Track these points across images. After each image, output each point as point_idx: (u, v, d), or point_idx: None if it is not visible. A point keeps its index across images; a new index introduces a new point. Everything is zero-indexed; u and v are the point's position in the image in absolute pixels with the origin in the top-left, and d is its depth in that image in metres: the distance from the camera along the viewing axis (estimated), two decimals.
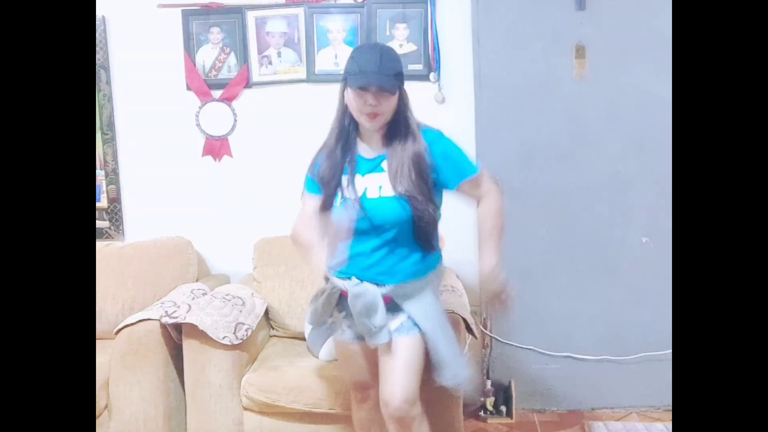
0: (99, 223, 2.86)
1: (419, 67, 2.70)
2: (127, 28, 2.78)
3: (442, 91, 2.72)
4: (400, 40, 2.70)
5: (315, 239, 1.76)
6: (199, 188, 2.85)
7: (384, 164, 1.69)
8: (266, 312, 2.51)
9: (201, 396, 2.17)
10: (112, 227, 2.87)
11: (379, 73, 1.60)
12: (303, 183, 1.83)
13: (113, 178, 2.85)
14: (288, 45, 2.76)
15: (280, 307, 2.55)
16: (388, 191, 1.66)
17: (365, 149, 1.73)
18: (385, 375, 1.72)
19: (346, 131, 1.72)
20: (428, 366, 1.74)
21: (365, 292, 1.67)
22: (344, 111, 1.70)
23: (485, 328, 2.67)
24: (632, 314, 2.64)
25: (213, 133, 2.81)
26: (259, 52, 2.76)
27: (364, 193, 1.68)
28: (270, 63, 2.77)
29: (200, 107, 2.79)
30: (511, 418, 2.62)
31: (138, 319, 2.20)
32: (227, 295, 2.35)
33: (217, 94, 2.79)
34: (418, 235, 1.68)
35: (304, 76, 2.76)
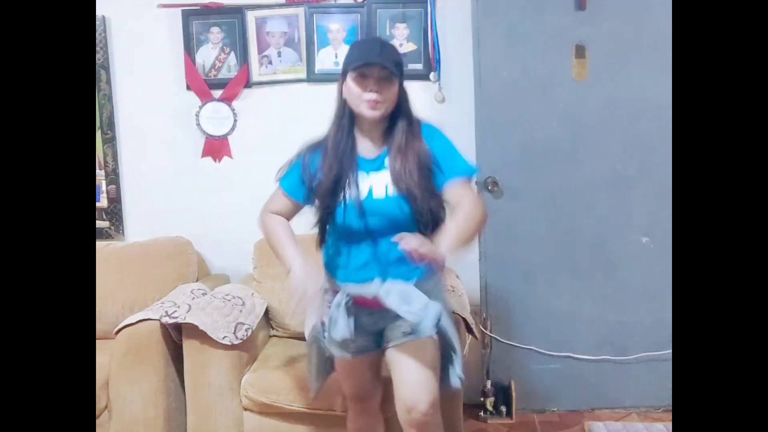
0: (99, 223, 2.86)
1: (419, 66, 2.70)
2: (127, 28, 2.78)
3: (442, 91, 2.72)
4: (400, 40, 2.70)
5: (293, 252, 1.65)
6: (199, 188, 2.85)
7: (387, 162, 1.65)
8: (266, 312, 2.51)
9: (201, 396, 2.18)
10: (112, 227, 2.87)
11: (381, 57, 1.57)
12: (280, 176, 1.74)
13: (113, 178, 2.85)
14: (288, 45, 2.76)
15: (280, 307, 2.55)
16: (393, 190, 1.62)
17: (366, 148, 1.67)
18: (406, 379, 1.66)
19: (346, 129, 1.66)
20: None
21: (393, 285, 1.60)
22: (343, 108, 1.65)
23: (485, 328, 2.67)
24: (632, 314, 2.65)
25: (213, 133, 2.81)
26: (259, 51, 2.76)
27: (370, 193, 1.63)
28: (270, 63, 2.77)
29: (200, 107, 2.79)
30: (511, 418, 2.62)
31: (138, 319, 2.20)
32: (227, 295, 2.35)
33: (217, 94, 2.79)
34: (424, 232, 1.58)
35: (304, 75, 2.76)
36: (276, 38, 2.76)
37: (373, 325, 1.70)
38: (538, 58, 2.56)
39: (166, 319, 2.16)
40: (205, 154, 2.83)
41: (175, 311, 2.17)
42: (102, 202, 2.86)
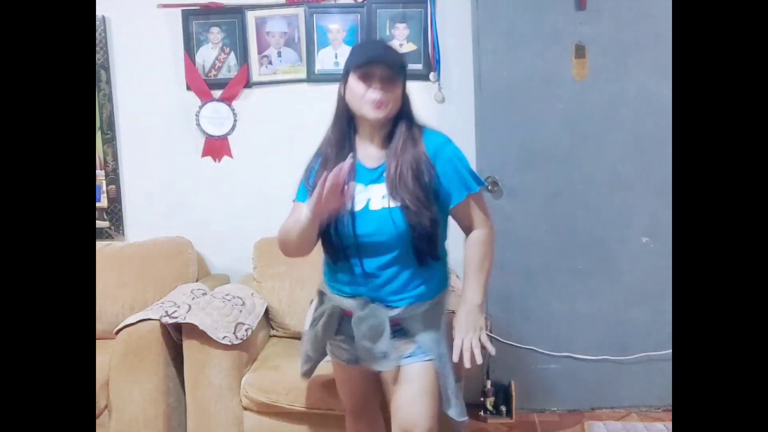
0: (99, 223, 2.86)
1: (419, 66, 2.70)
2: (127, 28, 2.78)
3: (442, 91, 2.72)
4: (400, 40, 2.70)
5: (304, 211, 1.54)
6: (199, 188, 2.85)
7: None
8: (266, 312, 2.51)
9: (201, 396, 2.18)
10: (112, 227, 2.87)
11: (385, 56, 1.52)
12: (296, 190, 1.68)
13: (113, 178, 2.85)
14: (288, 45, 2.76)
15: (280, 307, 2.55)
16: (393, 202, 1.53)
17: (366, 155, 1.59)
18: (403, 404, 1.60)
19: (346, 135, 1.59)
20: None
21: (372, 315, 1.55)
22: (343, 112, 1.59)
23: (485, 328, 2.66)
24: (632, 314, 2.65)
25: (213, 133, 2.81)
26: (259, 51, 2.76)
27: (367, 205, 1.55)
28: (270, 63, 2.77)
29: (200, 107, 2.79)
30: (511, 418, 2.62)
31: (138, 319, 2.20)
32: (227, 295, 2.35)
33: (217, 94, 2.79)
34: (418, 249, 1.54)
35: (304, 75, 2.76)
36: (276, 38, 2.76)
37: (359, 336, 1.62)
38: (538, 58, 2.56)
39: (166, 319, 2.16)
40: (205, 154, 2.83)
41: (175, 311, 2.17)
42: (102, 202, 2.86)
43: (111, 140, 2.83)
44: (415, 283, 1.58)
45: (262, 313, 2.44)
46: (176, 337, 2.21)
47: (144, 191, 2.87)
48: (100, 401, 2.19)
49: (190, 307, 2.20)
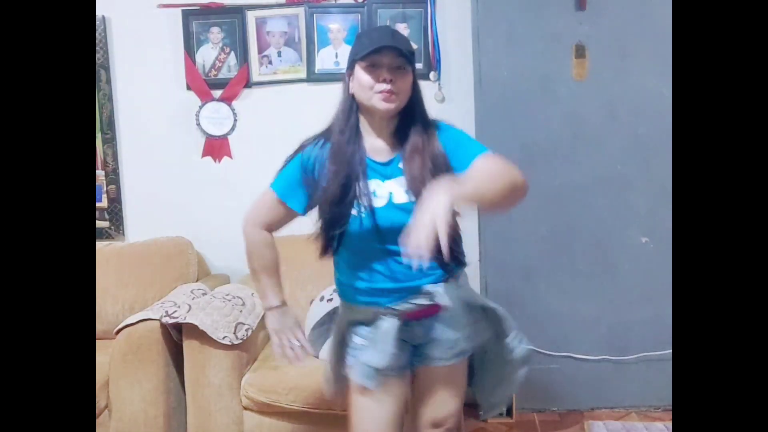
0: (99, 223, 2.86)
1: (419, 66, 2.70)
2: (127, 28, 2.78)
3: (442, 90, 2.72)
4: None
5: (271, 288, 1.60)
6: (199, 188, 2.85)
7: (402, 165, 1.48)
8: None
9: (201, 396, 2.18)
10: (112, 227, 2.87)
11: (394, 43, 1.42)
12: (279, 172, 1.57)
13: (113, 178, 2.85)
14: (288, 44, 2.76)
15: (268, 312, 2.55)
16: (412, 195, 1.45)
17: (375, 150, 1.50)
18: (436, 399, 1.59)
19: (354, 128, 1.48)
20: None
21: (451, 287, 1.49)
22: (350, 104, 1.48)
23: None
24: (632, 314, 2.64)
25: (213, 133, 2.81)
26: (260, 51, 2.76)
27: (390, 200, 1.46)
28: (270, 62, 2.77)
29: (200, 107, 2.79)
30: (511, 418, 2.62)
31: (138, 319, 2.20)
32: (227, 295, 2.35)
33: (217, 93, 2.79)
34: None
35: (304, 75, 2.76)
36: (276, 38, 2.76)
37: (426, 337, 1.55)
38: (538, 58, 2.56)
39: (166, 319, 2.16)
40: (205, 154, 2.83)
41: (176, 311, 2.17)
42: (102, 202, 2.86)
43: (111, 140, 2.83)
44: (438, 271, 1.51)
45: (262, 313, 2.44)
46: (176, 337, 2.21)
47: (144, 191, 2.87)
48: (100, 401, 2.19)
49: (190, 307, 2.20)
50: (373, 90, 1.42)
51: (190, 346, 2.17)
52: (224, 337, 2.14)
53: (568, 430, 2.55)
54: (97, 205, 2.85)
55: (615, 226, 2.63)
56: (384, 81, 1.41)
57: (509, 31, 2.56)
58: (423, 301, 1.50)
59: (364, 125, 1.50)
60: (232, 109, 2.80)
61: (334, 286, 1.71)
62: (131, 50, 2.79)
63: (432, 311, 1.52)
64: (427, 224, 1.19)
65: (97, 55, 2.77)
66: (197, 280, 2.66)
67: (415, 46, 2.70)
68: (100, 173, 2.84)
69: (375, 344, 1.51)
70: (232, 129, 2.81)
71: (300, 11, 2.73)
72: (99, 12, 2.74)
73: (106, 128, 2.82)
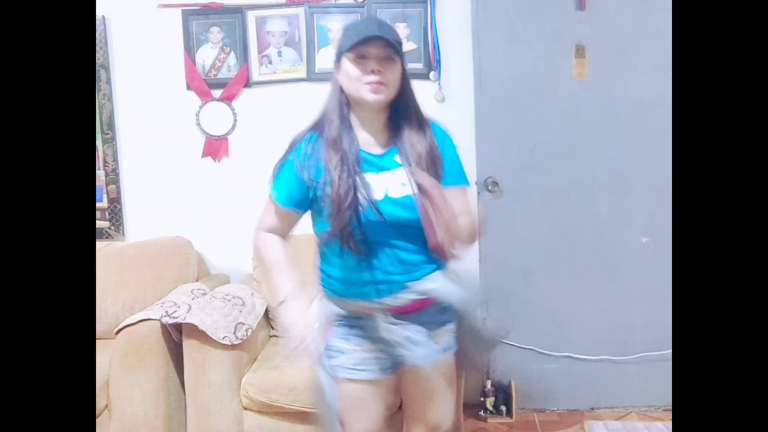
0: (99, 223, 2.86)
1: (419, 66, 2.71)
2: (127, 28, 2.78)
3: (442, 90, 2.72)
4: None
5: (287, 282, 1.51)
6: (199, 188, 2.85)
7: (397, 158, 1.46)
8: (266, 312, 2.51)
9: (201, 396, 2.18)
10: (112, 227, 2.87)
11: (381, 33, 1.40)
12: (274, 176, 1.55)
13: (113, 178, 2.85)
14: (288, 44, 2.76)
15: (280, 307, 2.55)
16: (410, 188, 1.44)
17: (368, 143, 1.48)
18: (428, 402, 1.57)
19: (346, 121, 1.46)
20: None
21: (441, 278, 1.48)
22: (339, 97, 1.47)
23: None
24: (632, 314, 2.64)
25: (213, 133, 2.81)
26: (260, 51, 2.76)
27: (386, 194, 1.44)
28: (270, 62, 2.77)
29: (200, 107, 2.79)
30: (511, 418, 2.62)
31: (138, 319, 2.20)
32: (227, 295, 2.35)
33: (217, 93, 2.79)
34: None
35: (304, 75, 2.76)
36: (276, 38, 2.76)
37: (395, 338, 1.50)
38: (538, 58, 2.56)
39: (166, 319, 2.16)
40: (205, 154, 2.83)
41: (176, 311, 2.17)
42: (102, 202, 2.86)
43: (111, 140, 2.83)
44: (431, 265, 1.50)
45: (262, 313, 2.44)
46: (176, 337, 2.21)
47: (144, 191, 2.87)
48: (100, 401, 2.19)
49: (190, 307, 2.20)
50: (361, 81, 1.41)
51: (190, 346, 2.17)
52: (224, 337, 2.14)
53: (568, 430, 2.56)
54: (97, 205, 2.85)
55: (615, 226, 2.63)
56: (372, 72, 1.40)
57: (509, 31, 2.56)
58: (413, 295, 1.47)
59: (355, 118, 1.49)
60: (232, 109, 2.80)
61: None
62: (131, 50, 2.79)
63: (420, 306, 1.50)
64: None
65: (97, 55, 2.77)
66: (197, 280, 2.66)
67: (414, 46, 2.72)
68: (100, 173, 2.84)
69: (354, 341, 1.51)
70: (232, 129, 2.81)
71: (300, 11, 2.73)
72: (99, 12, 2.74)
73: (106, 128, 2.82)
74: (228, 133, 2.82)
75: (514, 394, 2.62)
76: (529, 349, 2.69)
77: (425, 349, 1.50)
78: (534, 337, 2.69)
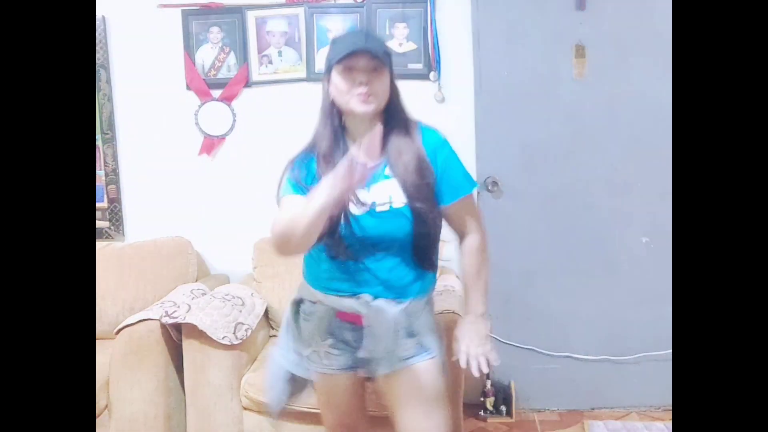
0: (99, 223, 2.86)
1: (419, 66, 2.70)
2: (127, 28, 2.78)
3: (442, 91, 2.72)
4: (400, 40, 2.70)
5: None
6: (199, 188, 2.85)
7: (388, 170, 1.47)
8: (266, 312, 2.51)
9: (201, 396, 2.18)
10: (112, 227, 2.87)
11: (367, 45, 1.43)
12: (280, 190, 1.53)
13: (113, 178, 2.85)
14: (288, 44, 2.76)
15: (280, 307, 2.55)
16: (399, 201, 1.45)
17: (360, 155, 1.44)
18: (414, 414, 1.51)
19: (339, 134, 1.49)
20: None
21: (381, 311, 1.46)
22: (330, 109, 1.49)
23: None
24: (632, 314, 2.65)
25: (212, 133, 2.81)
26: (260, 51, 2.76)
27: (373, 208, 1.46)
28: (270, 62, 2.77)
29: (200, 107, 2.79)
30: (511, 418, 2.62)
31: (138, 319, 2.20)
32: (227, 295, 2.35)
33: (216, 93, 2.79)
34: (421, 250, 1.49)
35: (304, 75, 2.76)
36: (276, 38, 2.76)
37: (356, 343, 1.53)
38: (538, 57, 2.56)
39: (166, 319, 2.16)
40: (201, 152, 2.83)
41: (175, 311, 2.17)
42: (102, 202, 2.86)
43: (111, 140, 2.83)
44: (413, 279, 1.51)
45: (262, 313, 2.44)
46: (176, 337, 2.21)
47: (144, 191, 2.87)
48: (100, 401, 2.19)
49: (189, 307, 2.20)
50: (350, 94, 1.44)
51: (189, 346, 2.17)
52: (224, 337, 2.14)
53: (568, 430, 2.56)
54: (97, 205, 2.85)
55: (615, 226, 2.63)
56: (360, 84, 1.43)
57: (509, 30, 2.56)
58: (353, 307, 1.49)
59: (348, 129, 1.52)
60: (232, 109, 2.80)
61: None
62: (131, 50, 2.79)
63: (356, 320, 1.51)
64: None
65: (97, 55, 2.77)
66: (197, 280, 2.66)
67: (414, 46, 2.72)
68: (100, 173, 2.84)
69: (321, 335, 1.55)
70: (232, 129, 2.81)
71: (300, 11, 2.73)
72: (99, 12, 2.73)
73: (106, 128, 2.82)
74: (227, 133, 2.82)
75: (514, 394, 2.62)
76: (529, 349, 2.69)
77: (379, 359, 1.50)
78: (534, 337, 2.69)
